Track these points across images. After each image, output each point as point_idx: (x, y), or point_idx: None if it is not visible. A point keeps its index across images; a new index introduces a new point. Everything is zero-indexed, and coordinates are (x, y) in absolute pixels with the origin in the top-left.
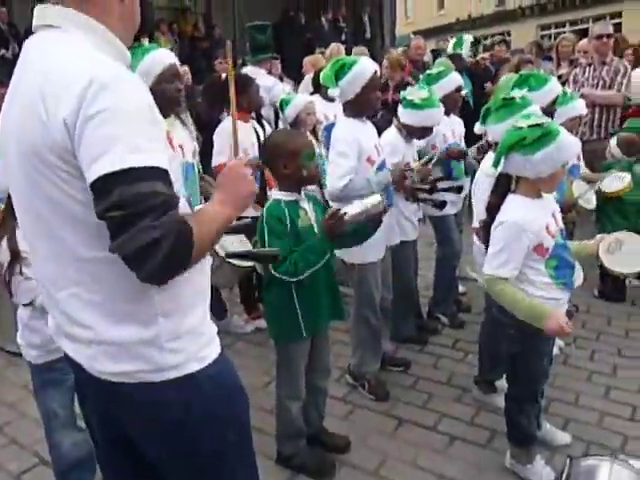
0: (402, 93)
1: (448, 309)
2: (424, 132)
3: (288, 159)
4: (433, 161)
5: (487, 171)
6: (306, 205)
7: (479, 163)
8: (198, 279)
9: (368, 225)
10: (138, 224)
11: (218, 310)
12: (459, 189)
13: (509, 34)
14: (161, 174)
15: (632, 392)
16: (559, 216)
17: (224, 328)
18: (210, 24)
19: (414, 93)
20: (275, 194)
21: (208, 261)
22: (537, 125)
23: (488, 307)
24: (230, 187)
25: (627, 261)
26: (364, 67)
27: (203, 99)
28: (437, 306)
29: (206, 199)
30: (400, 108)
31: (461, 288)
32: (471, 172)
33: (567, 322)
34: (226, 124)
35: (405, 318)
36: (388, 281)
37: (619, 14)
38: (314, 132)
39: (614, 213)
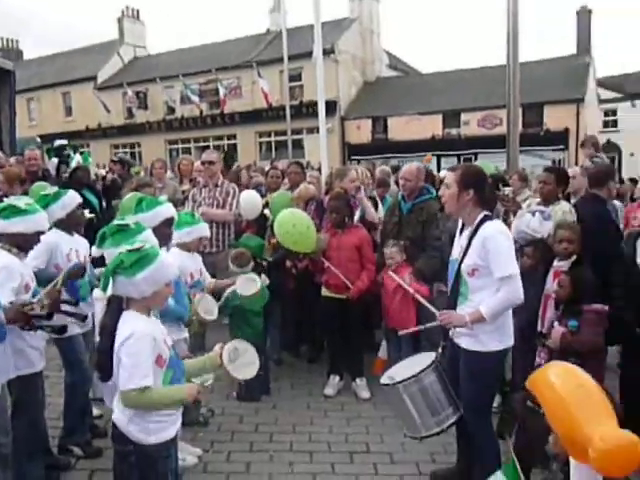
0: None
1: (82, 438)
2: (35, 238)
3: None
4: (58, 285)
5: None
6: None
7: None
8: None
9: None
10: None
11: None
12: (84, 318)
13: (139, 145)
14: None
15: None
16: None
17: None
18: None
19: (14, 200)
20: None
21: None
22: (135, 250)
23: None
24: None
25: (245, 366)
26: None
27: None
28: (69, 437)
29: None
30: (1, 221)
31: (96, 411)
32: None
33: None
34: None
35: (31, 459)
36: (5, 423)
37: (234, 136)
38: None
39: (242, 323)
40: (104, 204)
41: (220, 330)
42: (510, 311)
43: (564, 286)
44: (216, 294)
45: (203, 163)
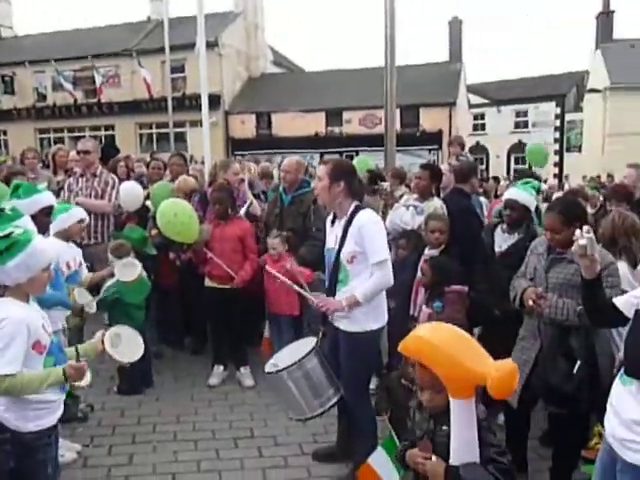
0: None
1: None
2: None
3: None
4: None
5: None
6: None
7: None
8: None
9: None
10: None
11: None
12: None
13: (5, 133)
14: None
15: (147, 475)
16: (47, 317)
17: None
18: None
19: None
20: None
21: None
22: (4, 237)
23: None
24: None
25: (128, 350)
26: None
27: None
28: None
29: None
30: None
31: None
32: None
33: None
34: None
35: None
36: None
37: (112, 127)
38: None
39: (123, 316)
40: None
41: (98, 326)
42: (384, 293)
43: (426, 274)
44: (94, 287)
45: (78, 153)
